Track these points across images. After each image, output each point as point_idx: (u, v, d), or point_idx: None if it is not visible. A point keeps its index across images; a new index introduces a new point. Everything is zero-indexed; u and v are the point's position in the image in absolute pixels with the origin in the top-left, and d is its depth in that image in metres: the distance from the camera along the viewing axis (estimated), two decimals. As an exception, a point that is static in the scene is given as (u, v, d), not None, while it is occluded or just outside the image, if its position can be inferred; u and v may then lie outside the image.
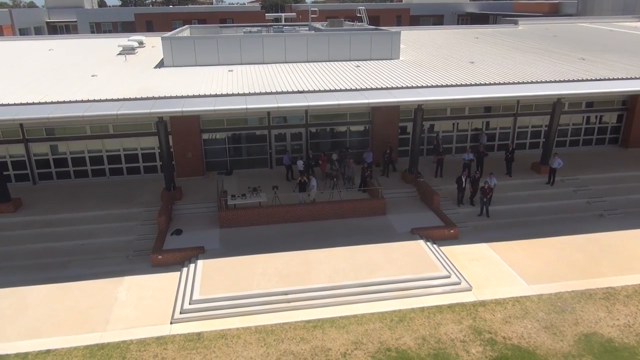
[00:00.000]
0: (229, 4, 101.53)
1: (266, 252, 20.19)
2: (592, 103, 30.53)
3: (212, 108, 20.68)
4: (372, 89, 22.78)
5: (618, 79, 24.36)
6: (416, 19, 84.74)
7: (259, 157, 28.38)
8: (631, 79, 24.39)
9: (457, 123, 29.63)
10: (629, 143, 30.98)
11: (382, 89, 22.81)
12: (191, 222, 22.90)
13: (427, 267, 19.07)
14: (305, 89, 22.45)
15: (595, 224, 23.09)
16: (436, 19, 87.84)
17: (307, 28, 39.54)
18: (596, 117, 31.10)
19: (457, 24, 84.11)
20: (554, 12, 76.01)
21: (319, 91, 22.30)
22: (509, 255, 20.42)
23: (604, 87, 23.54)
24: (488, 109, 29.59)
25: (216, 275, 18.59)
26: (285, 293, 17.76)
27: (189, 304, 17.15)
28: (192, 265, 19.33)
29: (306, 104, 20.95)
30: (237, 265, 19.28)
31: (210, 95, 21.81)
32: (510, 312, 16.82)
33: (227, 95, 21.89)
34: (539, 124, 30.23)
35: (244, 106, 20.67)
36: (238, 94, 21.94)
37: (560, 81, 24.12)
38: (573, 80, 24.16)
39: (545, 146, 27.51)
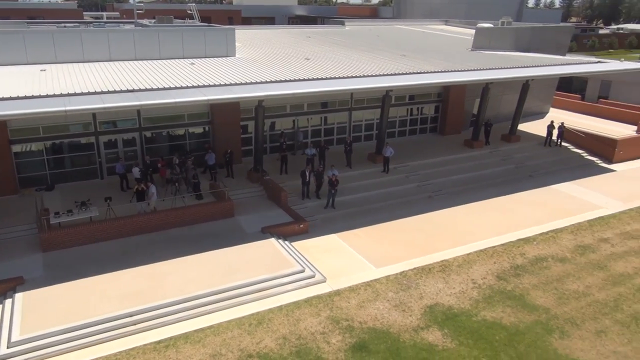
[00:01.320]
0: (39, 1, 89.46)
1: (104, 272, 17.94)
2: (413, 96, 33.56)
3: (23, 112, 17.65)
4: (210, 85, 21.77)
5: (435, 72, 27.10)
6: (248, 21, 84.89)
7: (86, 167, 25.23)
8: (446, 72, 27.35)
9: (297, 119, 30.08)
10: (446, 130, 34.81)
11: (221, 85, 21.94)
12: (4, 249, 19.32)
13: (281, 264, 18.83)
14: (136, 88, 20.52)
15: (426, 205, 25.36)
16: (267, 20, 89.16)
17: (133, 25, 36.57)
18: (418, 108, 34.30)
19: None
20: (374, 15, 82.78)
21: (152, 89, 20.58)
22: (357, 242, 21.25)
23: (426, 79, 26.01)
24: (325, 104, 30.59)
25: (42, 308, 15.89)
26: (131, 314, 15.93)
27: (7, 347, 14.30)
28: (7, 301, 16.22)
29: (138, 103, 19.10)
30: (68, 291, 16.75)
31: (19, 98, 18.59)
32: (363, 297, 17.42)
33: (42, 96, 18.90)
34: (371, 117, 32.19)
35: (64, 108, 18.03)
36: (55, 95, 19.10)
37: (388, 74, 25.95)
38: (399, 74, 26.21)
39: (378, 137, 29.46)
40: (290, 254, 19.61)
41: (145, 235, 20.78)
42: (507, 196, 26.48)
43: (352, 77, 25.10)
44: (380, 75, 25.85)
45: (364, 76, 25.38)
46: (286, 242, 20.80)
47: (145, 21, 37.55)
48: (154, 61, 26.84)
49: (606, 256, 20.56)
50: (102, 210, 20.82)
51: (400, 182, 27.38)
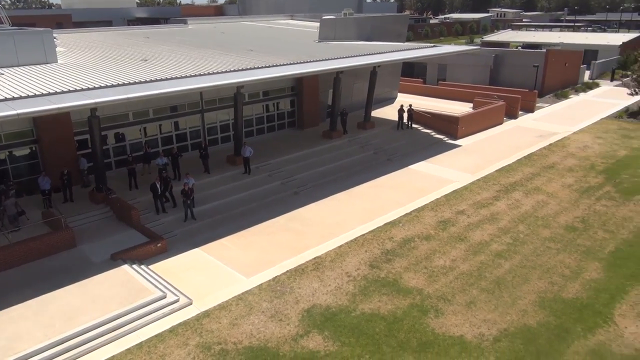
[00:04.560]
0: None
1: None
2: (267, 92, 32.53)
3: None
4: (23, 97, 18.27)
5: (287, 64, 26.30)
6: (81, 25, 76.60)
7: None
8: (297, 63, 26.71)
9: (145, 127, 27.22)
10: (304, 124, 34.42)
11: (37, 96, 18.54)
12: None
13: (137, 293, 16.42)
14: None
15: (293, 202, 24.49)
16: (104, 24, 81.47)
17: None
18: (273, 104, 33.36)
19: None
20: (220, 14, 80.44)
21: (-60, 108, 16.56)
22: (223, 253, 19.54)
23: (278, 72, 25.06)
24: (174, 108, 28.12)
25: None
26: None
27: None
28: None
29: None
30: None
31: None
32: (235, 314, 15.85)
33: None
34: (226, 118, 30.46)
35: None
36: None
37: (238, 70, 24.52)
38: (250, 69, 24.92)
39: (235, 138, 27.91)
40: (148, 280, 17.25)
41: (-43, 288, 16.78)
42: (370, 182, 26.77)
43: (196, 75, 23.16)
44: (228, 71, 24.29)
45: (210, 74, 23.59)
46: (142, 266, 18.32)
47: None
48: (-52, 74, 22.08)
49: (464, 227, 21.59)
50: None
51: (264, 182, 26.19)
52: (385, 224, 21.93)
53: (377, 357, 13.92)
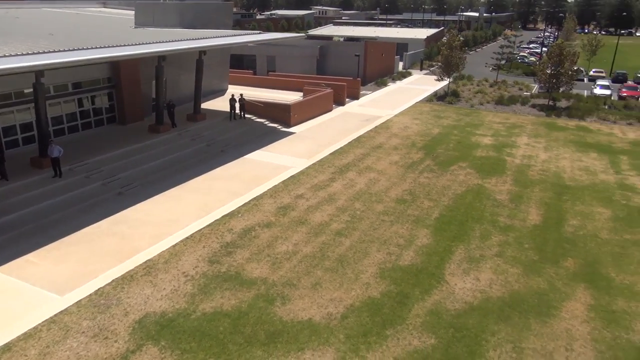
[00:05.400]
0: None
1: None
2: (79, 84, 28.48)
3: None
4: None
5: (96, 47, 23.14)
6: None
7: None
8: (109, 47, 23.69)
9: None
10: (126, 119, 31.02)
11: None
12: None
13: None
14: None
15: (117, 203, 21.68)
16: None
17: None
18: (88, 99, 29.41)
19: None
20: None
21: None
22: (29, 272, 16.18)
23: (86, 55, 21.80)
24: (-49, 105, 22.87)
25: None
26: None
27: None
28: None
29: None
30: None
31: None
32: (47, 341, 13.06)
33: None
34: (28, 117, 25.80)
35: None
36: None
37: (35, 53, 20.74)
38: (51, 52, 21.28)
39: (39, 137, 23.78)
40: None
41: None
42: (204, 175, 25.10)
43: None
44: (20, 55, 20.35)
45: (-4, 58, 19.51)
46: None
47: None
48: None
49: (304, 210, 21.34)
50: None
51: (80, 184, 22.76)
52: (224, 216, 20.60)
53: (223, 359, 12.63)
